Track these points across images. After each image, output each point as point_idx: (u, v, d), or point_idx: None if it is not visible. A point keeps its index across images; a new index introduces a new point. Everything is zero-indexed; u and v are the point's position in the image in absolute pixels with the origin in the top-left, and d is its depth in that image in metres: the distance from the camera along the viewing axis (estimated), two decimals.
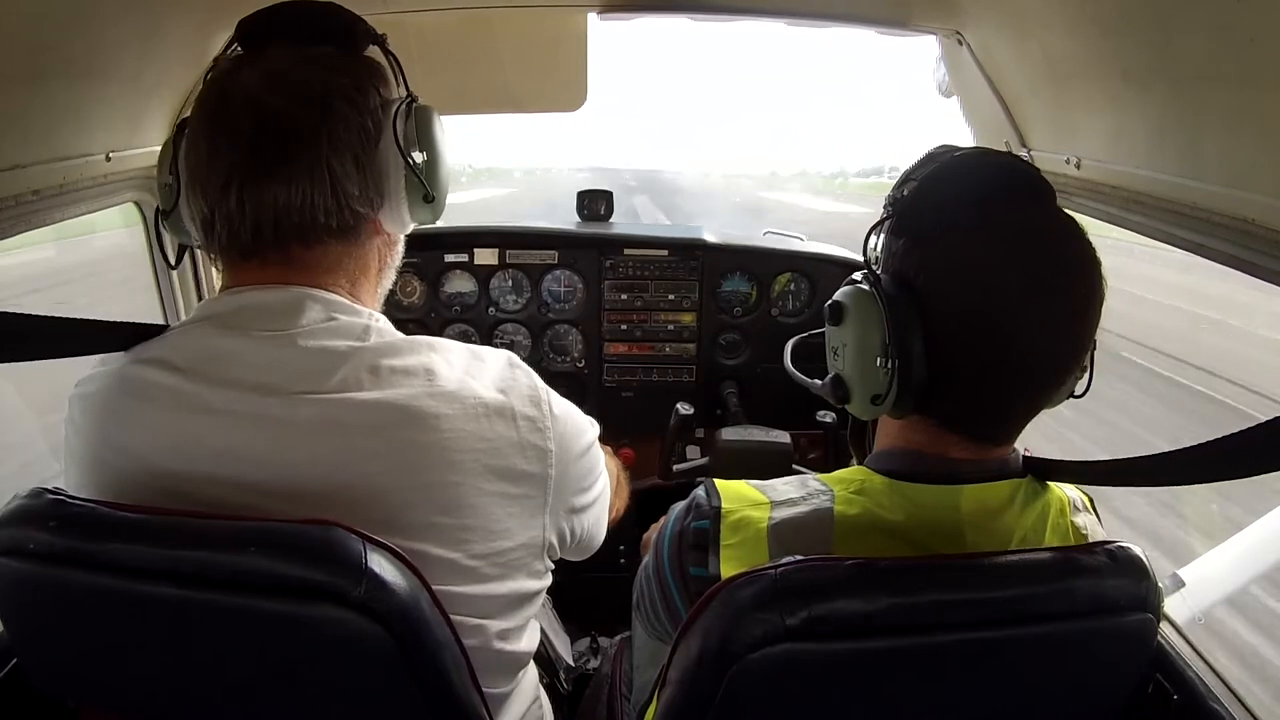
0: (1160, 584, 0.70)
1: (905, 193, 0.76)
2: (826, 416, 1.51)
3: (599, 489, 0.90)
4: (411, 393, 0.70)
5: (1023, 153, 1.30)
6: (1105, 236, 0.84)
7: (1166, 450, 0.68)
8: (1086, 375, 0.76)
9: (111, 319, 0.79)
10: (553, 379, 0.88)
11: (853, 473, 0.80)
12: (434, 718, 0.67)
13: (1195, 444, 0.65)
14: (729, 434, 1.45)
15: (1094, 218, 1.11)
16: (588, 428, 0.87)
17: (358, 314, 0.76)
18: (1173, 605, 1.12)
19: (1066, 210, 0.74)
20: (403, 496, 0.69)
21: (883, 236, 0.77)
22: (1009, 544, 0.75)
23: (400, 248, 0.87)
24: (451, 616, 0.67)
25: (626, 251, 1.93)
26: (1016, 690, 0.70)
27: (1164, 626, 0.98)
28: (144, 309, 1.47)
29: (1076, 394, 0.77)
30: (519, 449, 0.74)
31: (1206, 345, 7.39)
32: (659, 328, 1.96)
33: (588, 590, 1.60)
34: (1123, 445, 5.06)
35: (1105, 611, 0.67)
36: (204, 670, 0.67)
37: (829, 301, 0.80)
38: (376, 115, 0.76)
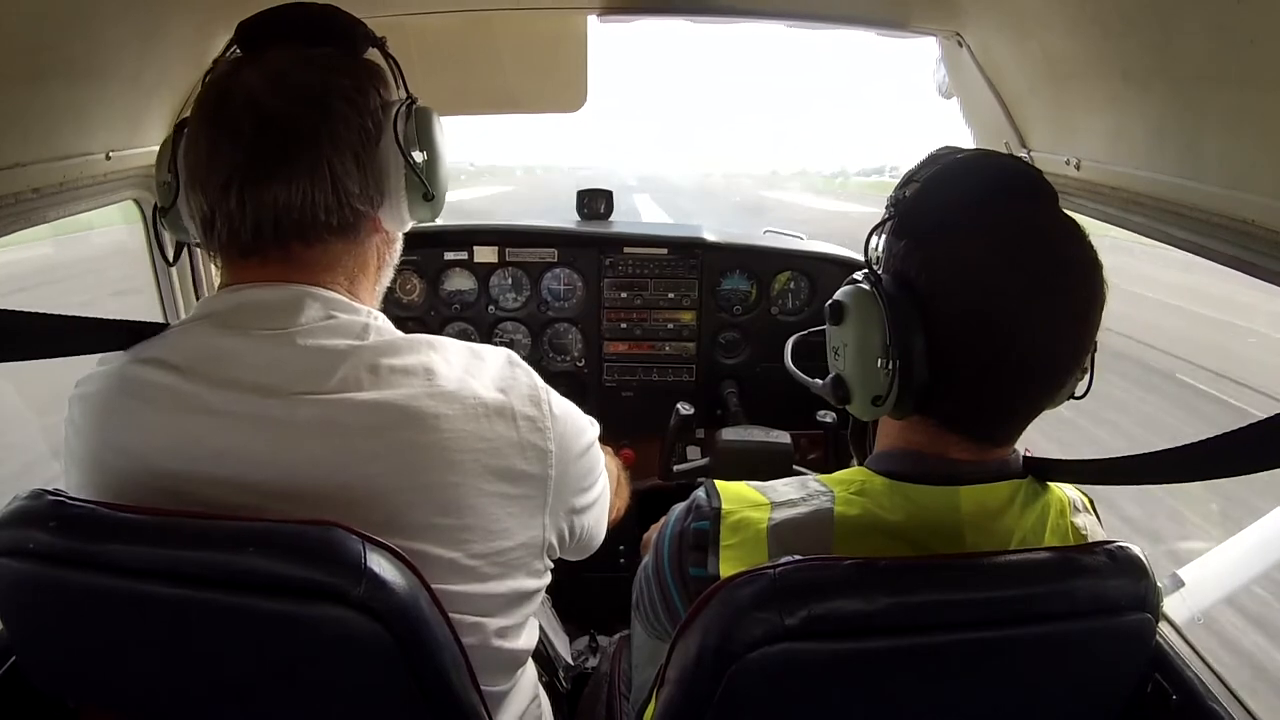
0: (1160, 584, 0.71)
1: (907, 194, 0.76)
2: (827, 417, 1.51)
3: (599, 489, 0.90)
4: (411, 393, 0.70)
5: (1022, 153, 1.30)
6: (1105, 236, 0.84)
7: (1165, 448, 0.68)
8: (1087, 377, 0.77)
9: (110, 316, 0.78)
10: (552, 378, 0.88)
11: (853, 473, 0.80)
12: (433, 716, 0.67)
13: (1193, 441, 0.65)
14: (729, 434, 1.44)
15: (1094, 218, 1.11)
16: (588, 427, 0.87)
17: (356, 312, 0.76)
18: (1172, 605, 1.12)
19: (1066, 211, 0.74)
20: (402, 497, 0.69)
21: (884, 237, 0.77)
22: (1008, 545, 0.75)
23: (398, 246, 0.87)
24: (450, 615, 0.67)
25: (626, 250, 1.93)
26: (1016, 690, 0.70)
27: (1163, 626, 0.98)
28: (143, 307, 1.47)
29: (1077, 395, 0.78)
30: (519, 449, 0.74)
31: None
32: (659, 326, 1.96)
33: (587, 589, 1.60)
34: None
35: (1104, 611, 0.67)
36: (204, 670, 0.67)
37: (830, 301, 0.80)
38: (377, 116, 0.77)
